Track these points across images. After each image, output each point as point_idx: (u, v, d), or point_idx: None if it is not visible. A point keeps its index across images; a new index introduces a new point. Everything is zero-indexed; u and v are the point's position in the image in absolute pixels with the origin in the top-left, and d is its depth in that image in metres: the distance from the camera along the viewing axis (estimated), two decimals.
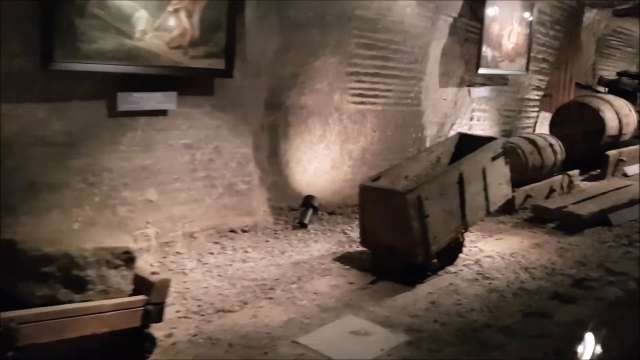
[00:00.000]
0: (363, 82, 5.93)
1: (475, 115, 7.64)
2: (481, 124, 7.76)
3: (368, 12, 5.70)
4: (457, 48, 7.06)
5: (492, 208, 4.63)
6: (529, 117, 9.03)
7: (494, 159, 4.54)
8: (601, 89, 12.07)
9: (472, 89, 7.43)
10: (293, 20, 5.15)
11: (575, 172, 6.98)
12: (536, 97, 9.09)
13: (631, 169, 7.92)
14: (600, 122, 7.69)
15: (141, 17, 3.90)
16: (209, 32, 4.27)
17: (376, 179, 4.28)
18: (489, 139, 4.74)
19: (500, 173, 4.63)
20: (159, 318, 2.95)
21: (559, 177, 6.61)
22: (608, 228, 5.49)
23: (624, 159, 7.83)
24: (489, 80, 7.69)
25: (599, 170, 7.71)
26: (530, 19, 7.68)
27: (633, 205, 5.94)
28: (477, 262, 4.52)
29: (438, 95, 6.99)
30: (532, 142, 6.40)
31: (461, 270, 4.34)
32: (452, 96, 7.21)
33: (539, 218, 5.72)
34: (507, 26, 7.27)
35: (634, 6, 11.09)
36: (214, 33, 4.30)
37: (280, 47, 5.16)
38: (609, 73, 12.92)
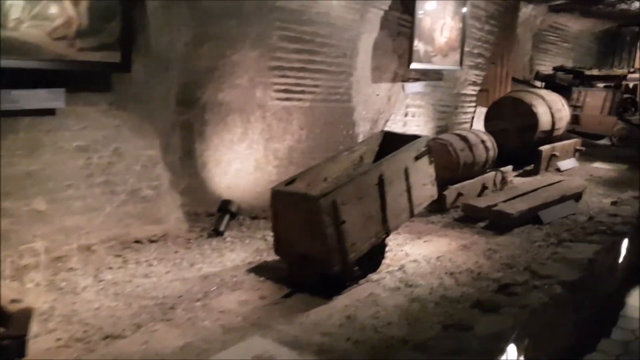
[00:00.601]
0: (288, 77, 5.58)
1: (410, 111, 7.44)
2: (416, 120, 7.56)
3: (291, 3, 5.35)
4: (390, 42, 6.81)
5: (417, 210, 4.38)
6: (465, 113, 8.92)
7: (417, 158, 4.29)
8: (538, 83, 12.22)
9: (406, 84, 7.22)
10: (207, 10, 4.74)
11: (509, 168, 6.87)
12: (473, 92, 8.99)
13: (564, 164, 7.92)
14: (534, 117, 7.63)
15: (15, 4, 3.41)
16: (100, 22, 3.81)
17: (291, 181, 3.95)
18: (413, 137, 4.49)
19: (424, 173, 4.39)
20: (19, 353, 2.53)
21: (492, 173, 6.47)
22: (538, 226, 5.37)
23: (557, 154, 7.81)
24: (424, 75, 7.50)
25: (533, 166, 7.66)
26: (464, 11, 7.52)
27: (564, 202, 5.86)
28: (401, 267, 4.27)
29: (370, 91, 6.73)
30: (464, 138, 6.23)
31: (384, 277, 4.07)
32: (385, 92, 6.97)
33: (469, 217, 5.55)
34: (440, 20, 7.09)
35: (569, 2, 11.21)
36: (106, 22, 3.84)
37: (193, 39, 4.74)
38: (546, 68, 13.09)
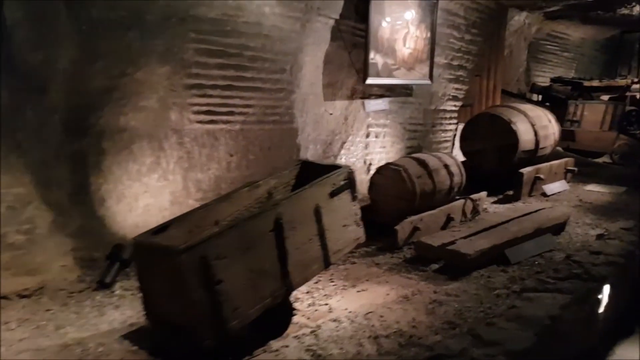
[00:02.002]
0: (210, 96, 4.83)
1: (373, 131, 6.64)
2: (381, 141, 6.76)
3: (210, 11, 4.62)
4: (345, 55, 6.05)
5: (335, 257, 3.56)
6: (445, 131, 8.09)
7: (333, 194, 3.49)
8: (535, 96, 11.34)
9: (366, 101, 6.44)
10: (96, 20, 4.04)
11: (482, 194, 6.00)
12: (453, 108, 8.16)
13: (551, 188, 7.00)
14: (513, 136, 6.76)
15: None
16: None
17: (163, 228, 3.18)
18: (334, 168, 3.68)
19: (344, 212, 3.58)
20: None
21: (460, 202, 5.63)
22: (503, 268, 4.50)
23: (542, 176, 6.90)
24: (389, 90, 6.71)
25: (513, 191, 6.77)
26: (432, 20, 6.72)
27: (539, 236, 4.98)
28: (315, 329, 3.45)
29: (322, 110, 5.97)
30: (422, 163, 5.41)
31: (287, 346, 3.26)
32: (341, 110, 6.19)
33: (423, 257, 4.70)
34: (401, 29, 6.31)
35: (565, 8, 10.35)
36: None
37: (81, 56, 4.05)
38: (546, 79, 12.18)
